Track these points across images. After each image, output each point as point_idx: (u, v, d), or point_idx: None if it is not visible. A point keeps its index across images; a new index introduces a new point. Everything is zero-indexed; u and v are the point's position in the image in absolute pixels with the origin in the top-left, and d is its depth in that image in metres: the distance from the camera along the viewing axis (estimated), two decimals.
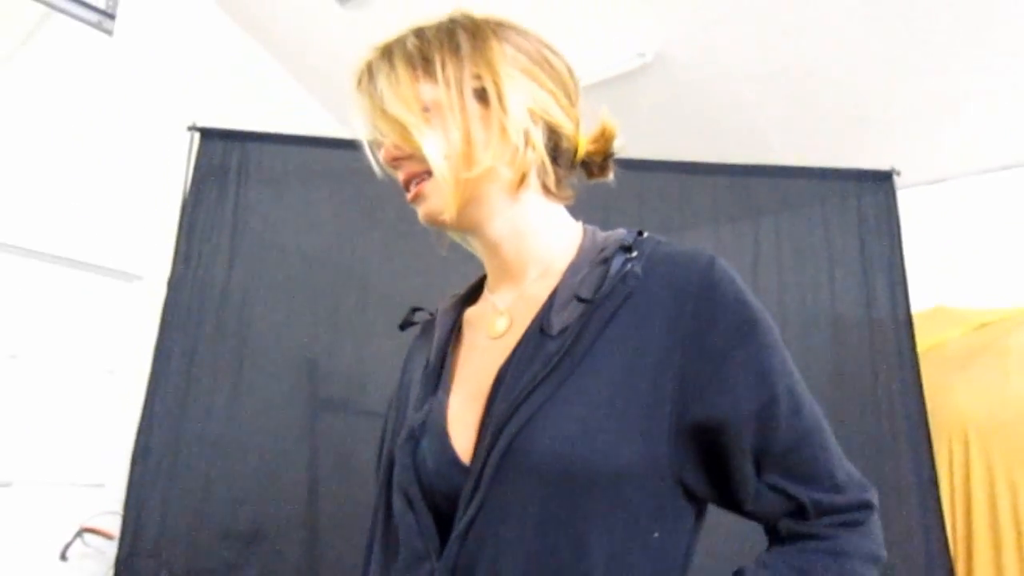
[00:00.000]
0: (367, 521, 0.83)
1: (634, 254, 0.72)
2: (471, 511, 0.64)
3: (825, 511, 0.69)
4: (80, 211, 3.10)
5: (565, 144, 0.78)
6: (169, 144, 2.51)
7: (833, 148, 2.96)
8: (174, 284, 2.29)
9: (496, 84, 0.73)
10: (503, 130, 0.72)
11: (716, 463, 0.68)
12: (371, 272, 2.45)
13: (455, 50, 0.74)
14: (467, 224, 0.77)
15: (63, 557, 2.70)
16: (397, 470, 0.74)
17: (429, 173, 0.73)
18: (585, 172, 0.83)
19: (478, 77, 0.73)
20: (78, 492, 2.93)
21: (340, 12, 3.29)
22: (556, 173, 0.78)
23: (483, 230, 0.78)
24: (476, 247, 0.82)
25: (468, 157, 0.72)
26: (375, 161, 0.81)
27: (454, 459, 0.69)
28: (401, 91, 0.73)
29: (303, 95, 3.97)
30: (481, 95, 0.74)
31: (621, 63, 2.96)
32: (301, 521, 2.25)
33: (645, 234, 0.76)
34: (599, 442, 0.63)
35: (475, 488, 0.65)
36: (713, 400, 0.66)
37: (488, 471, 0.64)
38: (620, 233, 0.77)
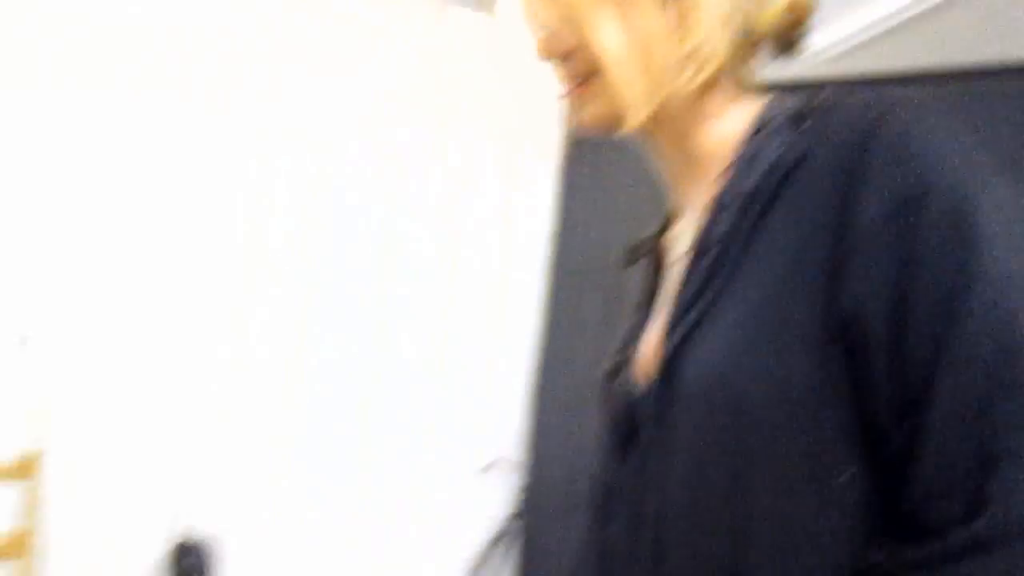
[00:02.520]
0: None
1: (805, 124, 0.56)
2: (642, 446, 0.61)
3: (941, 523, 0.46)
4: None
5: (754, 23, 0.61)
6: None
7: None
8: None
9: None
10: (696, 22, 0.58)
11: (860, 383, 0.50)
12: None
13: None
14: (643, 128, 0.63)
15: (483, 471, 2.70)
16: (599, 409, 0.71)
17: (597, 73, 0.60)
18: (771, 49, 0.66)
19: None
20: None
21: None
22: (747, 59, 0.64)
23: (659, 134, 0.65)
24: (648, 150, 0.69)
25: (653, 56, 0.59)
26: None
27: (635, 392, 0.64)
28: None
29: None
30: None
31: None
32: None
33: (823, 95, 0.57)
34: (749, 361, 0.52)
35: (645, 422, 0.60)
36: (848, 290, 0.49)
37: (653, 404, 0.59)
38: (792, 105, 0.59)
